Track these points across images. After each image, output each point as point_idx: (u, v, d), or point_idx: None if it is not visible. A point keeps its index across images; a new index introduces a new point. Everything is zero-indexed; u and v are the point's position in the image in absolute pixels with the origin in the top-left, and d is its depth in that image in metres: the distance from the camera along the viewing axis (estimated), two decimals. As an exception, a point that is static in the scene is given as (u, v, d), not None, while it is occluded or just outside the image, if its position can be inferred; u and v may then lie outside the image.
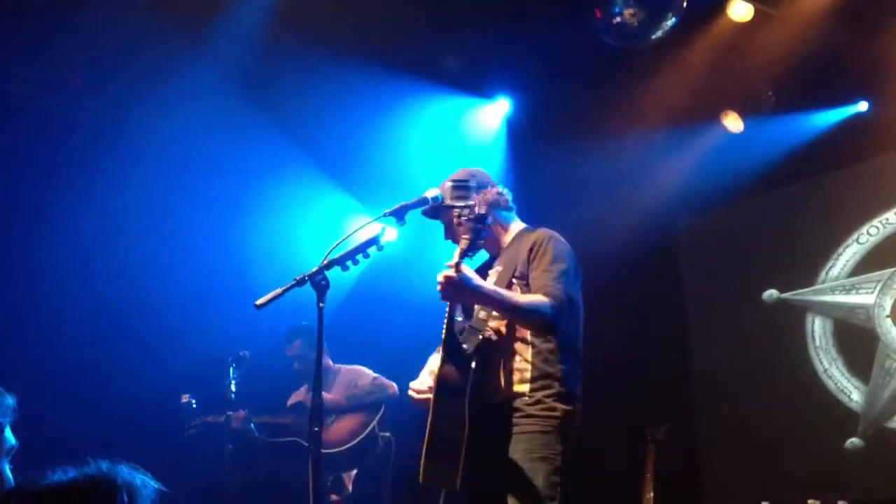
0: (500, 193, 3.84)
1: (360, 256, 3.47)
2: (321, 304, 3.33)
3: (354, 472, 5.75)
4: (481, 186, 3.80)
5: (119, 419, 5.66)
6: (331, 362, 5.96)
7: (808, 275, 6.67)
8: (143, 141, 6.17)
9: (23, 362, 5.33)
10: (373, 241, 3.49)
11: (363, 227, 3.56)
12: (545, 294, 3.42)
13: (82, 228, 6.01)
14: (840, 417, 6.32)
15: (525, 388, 3.46)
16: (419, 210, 3.71)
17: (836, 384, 6.39)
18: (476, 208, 3.39)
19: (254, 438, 5.58)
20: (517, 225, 3.86)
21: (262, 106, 6.39)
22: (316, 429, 3.20)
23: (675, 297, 7.36)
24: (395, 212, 3.60)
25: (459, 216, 3.41)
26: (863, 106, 6.44)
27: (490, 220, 3.51)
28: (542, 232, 3.70)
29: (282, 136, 6.59)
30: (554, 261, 3.53)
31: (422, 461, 3.37)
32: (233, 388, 5.31)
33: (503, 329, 3.55)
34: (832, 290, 6.54)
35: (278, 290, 3.35)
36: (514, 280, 3.58)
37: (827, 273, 6.59)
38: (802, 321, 6.66)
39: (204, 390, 5.52)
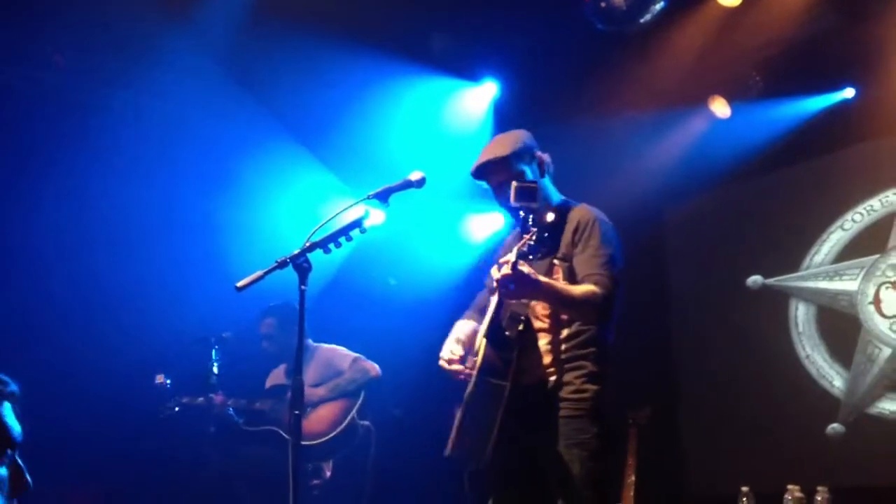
0: (548, 160, 3.77)
1: (342, 239, 3.46)
2: (303, 287, 3.32)
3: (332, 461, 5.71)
4: (532, 149, 3.73)
5: (96, 399, 5.62)
6: (310, 341, 5.84)
7: (793, 261, 6.69)
8: (126, 118, 6.12)
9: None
10: (356, 224, 3.47)
11: (346, 209, 3.53)
12: (594, 283, 3.37)
13: (63, 206, 5.96)
14: (821, 403, 6.35)
15: (556, 369, 3.44)
16: (403, 192, 3.65)
17: (818, 370, 6.42)
18: (542, 215, 3.26)
19: (233, 423, 5.52)
20: (557, 196, 3.77)
21: (245, 84, 6.35)
22: (297, 412, 3.20)
23: (659, 280, 7.36)
24: (378, 194, 3.56)
25: (524, 219, 3.26)
26: (849, 92, 6.42)
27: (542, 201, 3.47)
28: (586, 211, 3.62)
29: (265, 114, 6.55)
30: (601, 244, 3.47)
31: (452, 435, 3.38)
32: (215, 369, 5.27)
33: (539, 311, 3.50)
34: (816, 277, 6.56)
35: (259, 273, 3.33)
36: (555, 261, 3.51)
37: (811, 259, 6.60)
38: (786, 307, 6.68)
39: (184, 371, 5.46)
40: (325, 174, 7.00)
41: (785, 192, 6.83)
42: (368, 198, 3.55)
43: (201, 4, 5.71)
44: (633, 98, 6.78)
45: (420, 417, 5.84)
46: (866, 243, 6.35)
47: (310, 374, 5.66)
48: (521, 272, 3.17)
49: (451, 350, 3.58)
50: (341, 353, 5.79)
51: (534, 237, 3.14)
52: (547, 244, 3.21)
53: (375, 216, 3.64)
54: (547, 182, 3.75)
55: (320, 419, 5.45)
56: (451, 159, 6.87)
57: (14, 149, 5.87)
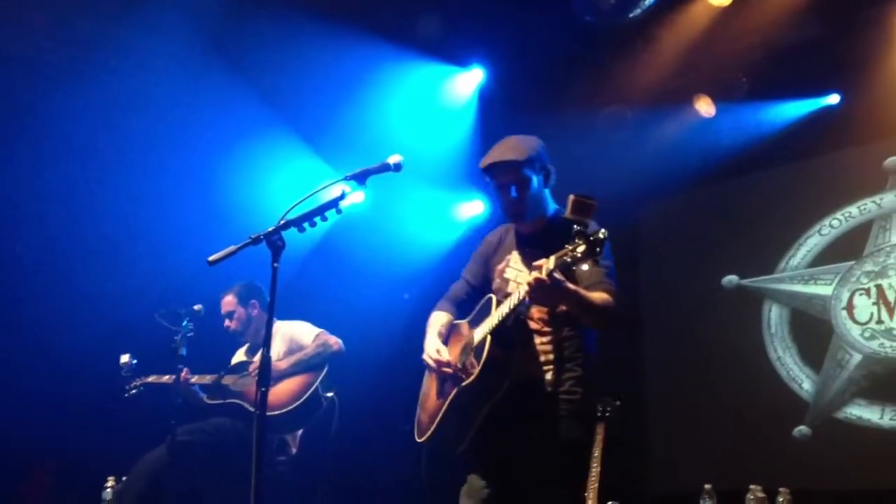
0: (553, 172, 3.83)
1: (318, 219, 3.43)
2: (275, 265, 3.29)
3: (299, 433, 5.69)
4: (543, 158, 3.77)
5: (63, 372, 5.58)
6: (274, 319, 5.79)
7: (769, 263, 6.73)
8: (108, 86, 6.02)
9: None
10: (332, 204, 3.44)
11: (322, 188, 3.51)
12: (605, 291, 3.49)
13: (41, 173, 5.88)
14: (790, 405, 6.40)
15: (550, 370, 3.55)
16: (381, 175, 3.64)
17: (788, 372, 6.47)
18: (597, 233, 3.16)
19: (197, 398, 5.49)
20: (553, 206, 3.84)
21: (231, 58, 6.26)
22: (263, 388, 3.18)
23: (632, 274, 7.37)
24: (356, 176, 3.54)
25: (578, 232, 3.17)
26: (834, 98, 6.46)
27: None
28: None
29: (249, 91, 6.46)
30: (605, 256, 3.52)
31: (437, 420, 3.49)
32: (184, 344, 5.21)
33: (535, 314, 3.60)
34: (791, 280, 6.60)
35: (232, 248, 3.31)
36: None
37: (787, 262, 6.64)
38: (760, 308, 6.72)
39: (154, 344, 5.41)
40: (312, 156, 6.94)
41: (765, 194, 6.86)
42: (346, 179, 3.53)
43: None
44: (618, 93, 6.79)
45: (391, 391, 5.87)
46: (843, 249, 6.39)
47: (273, 350, 5.60)
48: (558, 281, 3.23)
49: (437, 349, 3.65)
50: (304, 329, 5.72)
51: (578, 251, 3.10)
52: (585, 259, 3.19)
53: (356, 196, 3.63)
54: (547, 193, 3.82)
55: (283, 392, 5.40)
56: (437, 141, 6.90)
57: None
